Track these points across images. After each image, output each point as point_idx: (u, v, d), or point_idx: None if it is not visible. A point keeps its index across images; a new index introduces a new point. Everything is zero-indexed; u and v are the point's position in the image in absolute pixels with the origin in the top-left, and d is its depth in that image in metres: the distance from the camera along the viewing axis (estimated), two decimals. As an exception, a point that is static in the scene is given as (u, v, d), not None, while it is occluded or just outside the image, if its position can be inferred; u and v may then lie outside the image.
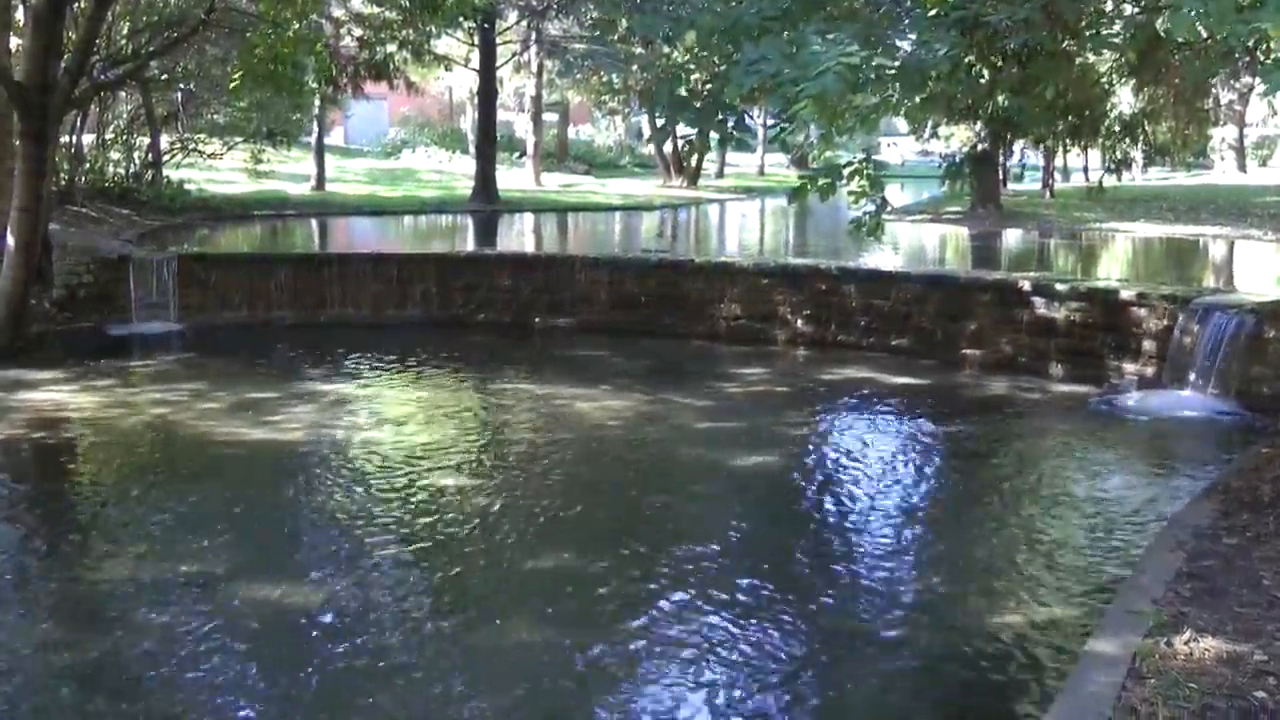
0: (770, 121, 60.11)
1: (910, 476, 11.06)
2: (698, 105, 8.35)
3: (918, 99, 8.99)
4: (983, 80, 9.81)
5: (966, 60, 8.98)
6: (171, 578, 7.88)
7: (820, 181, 8.61)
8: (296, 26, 16.30)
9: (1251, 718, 5.10)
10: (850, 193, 9.14)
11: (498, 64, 37.72)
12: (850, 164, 9.12)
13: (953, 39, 8.21)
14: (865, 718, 6.44)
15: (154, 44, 23.05)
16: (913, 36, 8.87)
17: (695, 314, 17.60)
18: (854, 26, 7.89)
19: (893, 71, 8.02)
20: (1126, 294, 14.38)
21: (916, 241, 28.01)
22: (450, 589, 7.95)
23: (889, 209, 9.63)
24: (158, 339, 16.73)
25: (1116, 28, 9.80)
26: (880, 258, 19.56)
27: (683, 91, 8.56)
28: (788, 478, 10.90)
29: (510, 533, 8.96)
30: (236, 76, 16.81)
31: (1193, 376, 13.31)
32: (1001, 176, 39.38)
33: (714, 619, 7.40)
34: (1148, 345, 14.00)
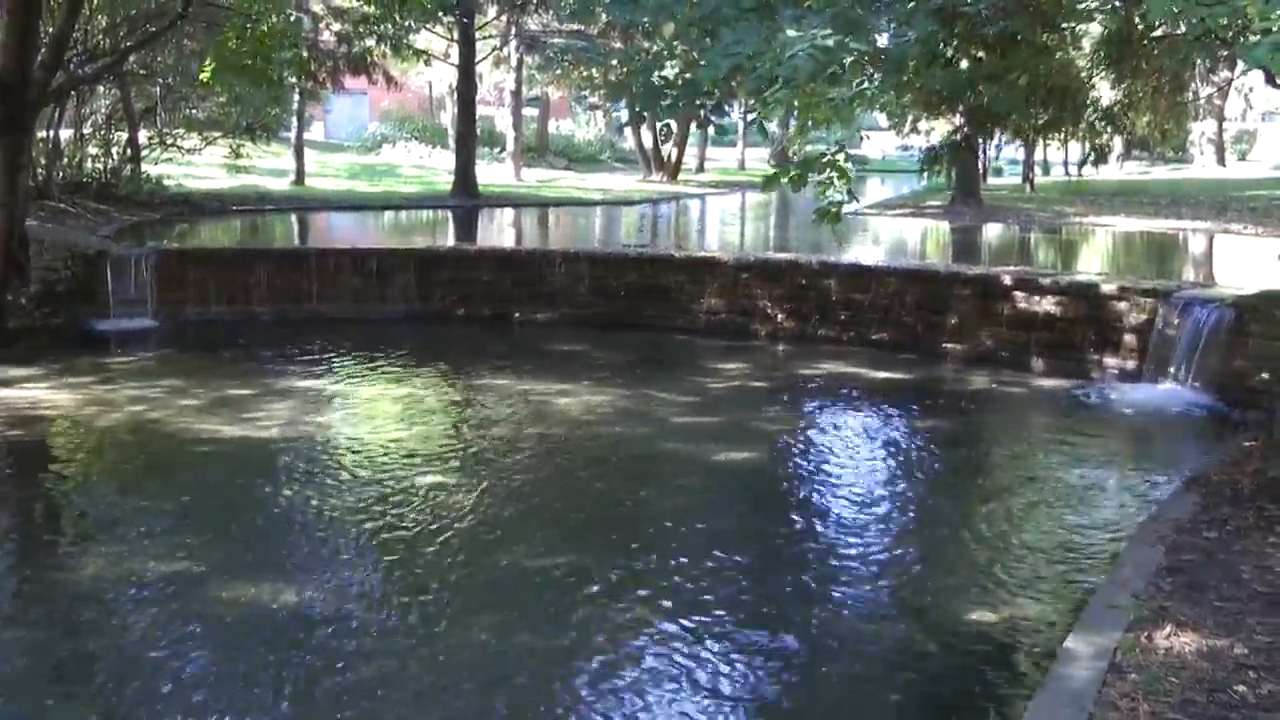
0: (750, 115, 60.40)
1: (890, 471, 11.04)
2: (672, 93, 8.32)
3: (893, 89, 8.96)
4: (961, 69, 9.82)
5: (945, 50, 8.97)
6: (147, 576, 7.81)
7: (792, 172, 8.59)
8: (274, 20, 16.21)
9: (1232, 711, 5.09)
10: (818, 183, 9.12)
11: (477, 58, 37.59)
12: (823, 155, 9.10)
13: (929, 26, 8.20)
14: (844, 714, 6.41)
15: (132, 38, 22.91)
16: (890, 23, 8.86)
17: (675, 308, 17.58)
18: (829, 12, 7.87)
19: (868, 56, 8.00)
20: (1107, 288, 14.40)
21: (897, 235, 28.03)
22: (428, 586, 7.89)
23: (857, 200, 9.64)
24: (136, 335, 16.59)
25: (1096, 19, 9.81)
26: (861, 251, 19.54)
27: (658, 79, 8.51)
28: (767, 473, 10.87)
29: (488, 529, 8.92)
30: (207, 68, 16.70)
31: (1173, 370, 13.35)
32: (982, 170, 39.46)
33: (691, 615, 7.35)
34: (1128, 339, 14.03)
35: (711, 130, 54.52)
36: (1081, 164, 31.07)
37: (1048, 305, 14.76)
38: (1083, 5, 10.06)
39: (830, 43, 6.91)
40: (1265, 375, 9.79)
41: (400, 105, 57.30)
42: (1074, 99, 14.15)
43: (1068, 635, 6.12)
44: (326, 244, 24.53)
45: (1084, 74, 14.24)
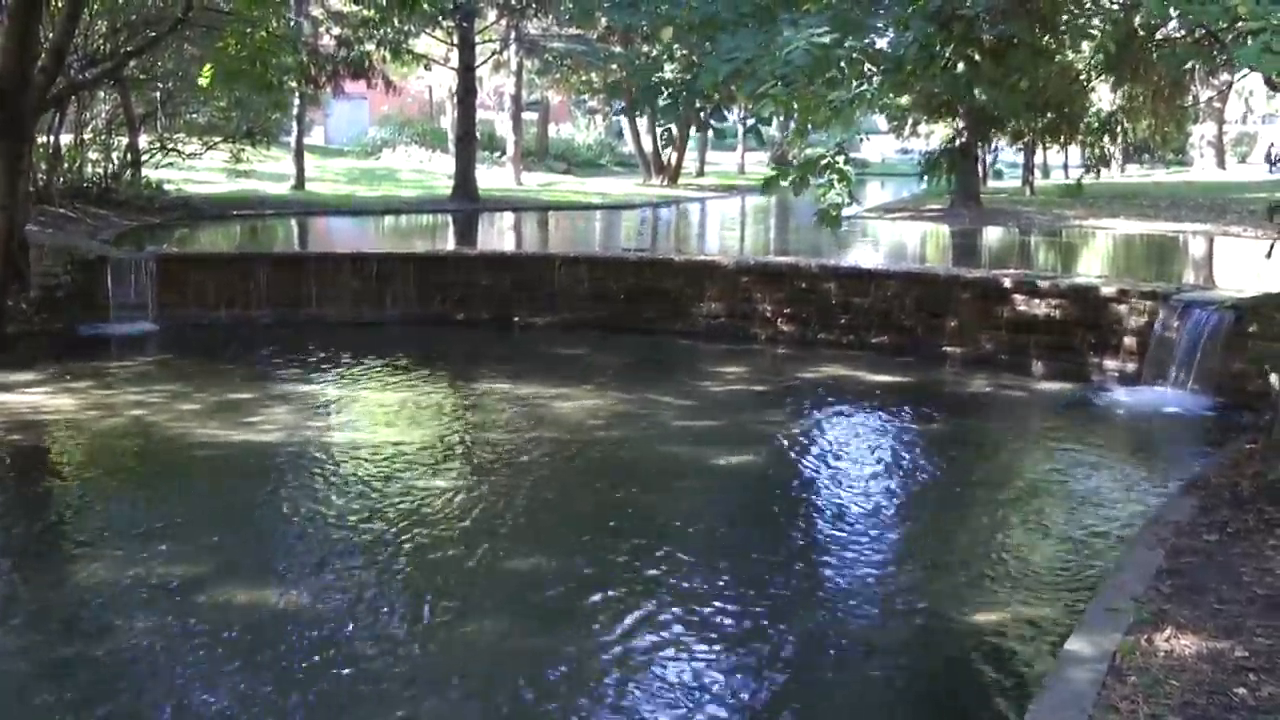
0: (749, 120, 60.41)
1: (890, 475, 11.03)
2: (671, 93, 8.32)
3: (892, 89, 8.95)
4: (959, 72, 9.82)
5: (944, 54, 8.97)
6: (149, 581, 7.80)
7: (792, 174, 8.58)
8: (274, 25, 16.24)
9: (1232, 714, 5.08)
10: (818, 185, 9.11)
11: (477, 62, 37.61)
12: (823, 158, 9.09)
13: (926, 28, 8.20)
14: (845, 715, 6.41)
15: (132, 43, 22.93)
16: (886, 25, 8.86)
17: (675, 311, 17.55)
18: (826, 14, 7.88)
19: (865, 55, 8.00)
20: (1107, 290, 14.40)
21: (897, 238, 28.06)
22: (429, 590, 7.89)
23: (857, 203, 9.65)
24: (136, 339, 16.59)
25: (1095, 22, 9.80)
26: (861, 255, 19.54)
27: (658, 82, 8.52)
28: (767, 476, 10.86)
29: (489, 533, 8.91)
30: (206, 73, 16.73)
31: (1173, 372, 13.33)
32: (981, 174, 39.48)
33: (693, 619, 7.36)
34: (1128, 341, 14.02)
35: (711, 134, 54.60)
36: (1083, 172, 31.10)
37: (1047, 308, 14.75)
38: (1084, 11, 10.05)
39: (827, 40, 6.90)
40: (1275, 377, 9.78)
41: (400, 109, 57.29)
42: (1073, 104, 14.14)
43: (1068, 638, 6.10)
44: (326, 248, 24.54)
45: (1082, 77, 14.23)
